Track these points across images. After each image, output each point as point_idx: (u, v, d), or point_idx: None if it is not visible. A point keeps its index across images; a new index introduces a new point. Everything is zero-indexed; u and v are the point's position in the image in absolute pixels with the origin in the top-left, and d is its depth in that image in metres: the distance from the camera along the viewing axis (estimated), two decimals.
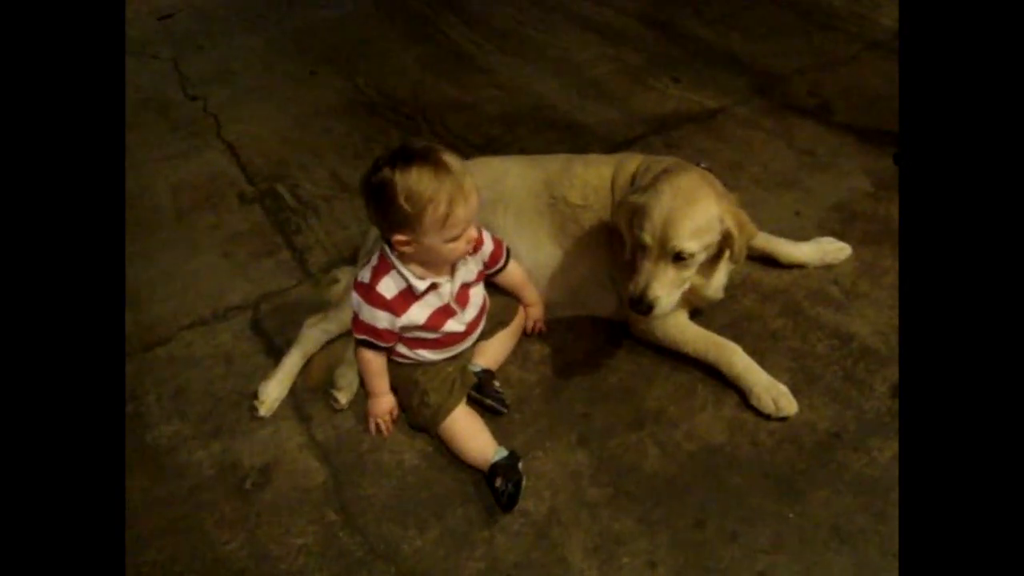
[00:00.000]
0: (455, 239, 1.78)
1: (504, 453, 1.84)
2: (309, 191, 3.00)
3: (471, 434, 1.91)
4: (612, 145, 3.00)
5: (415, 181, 1.70)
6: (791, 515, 1.71)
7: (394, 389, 2.06)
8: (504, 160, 2.39)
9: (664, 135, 3.05)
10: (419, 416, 1.98)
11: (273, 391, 2.11)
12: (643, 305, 1.84)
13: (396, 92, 3.63)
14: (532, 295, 2.19)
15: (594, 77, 3.53)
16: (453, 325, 1.96)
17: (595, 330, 2.21)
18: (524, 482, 1.79)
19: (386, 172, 1.72)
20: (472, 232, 1.83)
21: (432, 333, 1.94)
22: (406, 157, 1.73)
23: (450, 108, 3.45)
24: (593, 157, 2.24)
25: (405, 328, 1.91)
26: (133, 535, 1.84)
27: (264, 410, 2.09)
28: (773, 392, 1.91)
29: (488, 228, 2.19)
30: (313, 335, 2.20)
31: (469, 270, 1.96)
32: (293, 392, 2.15)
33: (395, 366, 2.03)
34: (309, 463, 1.98)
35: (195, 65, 4.15)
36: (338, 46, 4.14)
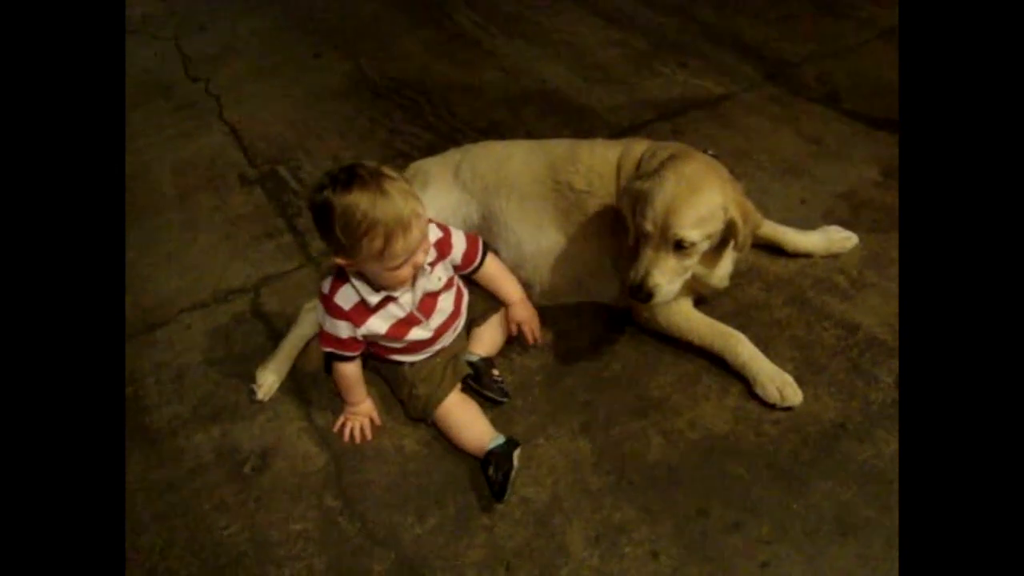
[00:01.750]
0: (396, 268, 1.71)
1: (501, 440, 1.82)
2: (311, 174, 2.98)
3: (466, 423, 1.89)
4: (618, 130, 2.97)
5: (351, 210, 1.61)
6: (794, 506, 1.69)
7: (387, 381, 2.05)
8: (508, 144, 2.36)
9: (670, 121, 3.02)
10: (411, 406, 1.97)
11: (271, 375, 2.10)
12: (642, 292, 1.82)
13: (401, 75, 3.60)
14: (513, 291, 2.07)
15: (600, 61, 3.50)
16: (418, 333, 1.90)
17: (598, 317, 2.19)
18: (514, 473, 1.77)
19: (326, 194, 1.64)
20: (419, 258, 1.74)
21: (396, 342, 1.90)
22: (347, 181, 1.64)
23: (455, 91, 3.41)
24: (598, 142, 2.21)
25: (368, 336, 1.87)
26: (131, 518, 1.84)
27: (262, 394, 2.07)
28: (778, 381, 1.89)
29: (491, 213, 2.17)
30: (312, 318, 2.17)
31: (433, 279, 1.86)
32: (293, 376, 2.14)
33: (382, 363, 2.02)
34: (309, 448, 1.97)
35: (197, 45, 4.12)
36: (342, 28, 4.10)
